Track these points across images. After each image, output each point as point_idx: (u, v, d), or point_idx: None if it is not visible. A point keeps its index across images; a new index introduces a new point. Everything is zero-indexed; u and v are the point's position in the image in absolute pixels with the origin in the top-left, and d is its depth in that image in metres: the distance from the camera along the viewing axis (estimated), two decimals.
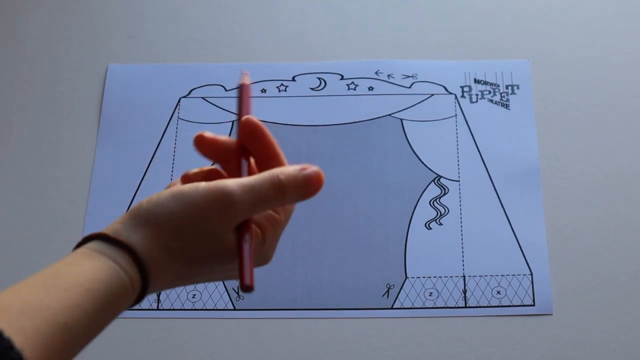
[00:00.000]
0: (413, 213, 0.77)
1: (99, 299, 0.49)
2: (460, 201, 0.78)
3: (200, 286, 0.74)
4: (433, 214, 0.77)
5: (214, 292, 0.74)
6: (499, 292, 0.74)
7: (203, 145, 0.56)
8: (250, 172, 0.55)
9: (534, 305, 0.73)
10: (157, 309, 0.73)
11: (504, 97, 0.83)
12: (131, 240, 0.51)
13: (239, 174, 0.55)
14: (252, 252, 0.53)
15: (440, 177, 0.79)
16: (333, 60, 0.85)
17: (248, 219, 0.53)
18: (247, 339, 0.72)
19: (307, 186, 0.54)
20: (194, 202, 0.52)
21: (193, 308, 0.73)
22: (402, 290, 0.74)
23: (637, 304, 0.73)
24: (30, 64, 0.87)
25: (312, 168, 0.54)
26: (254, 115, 0.56)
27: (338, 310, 0.73)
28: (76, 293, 0.48)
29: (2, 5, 0.90)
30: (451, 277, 0.74)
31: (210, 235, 0.53)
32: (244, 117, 0.55)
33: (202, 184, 0.52)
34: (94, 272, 0.50)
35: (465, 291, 0.74)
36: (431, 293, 0.74)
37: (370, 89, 0.84)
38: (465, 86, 0.84)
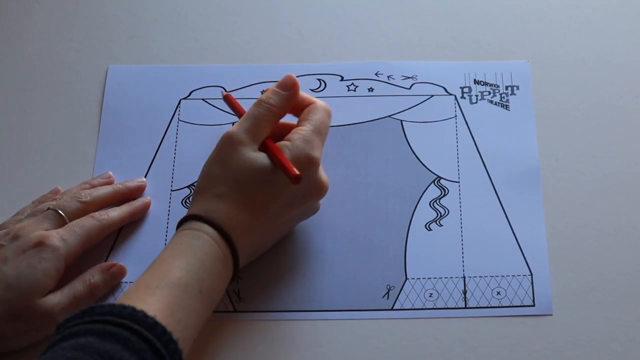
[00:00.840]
0: (413, 214, 0.78)
1: (187, 255, 0.63)
2: (460, 202, 0.78)
3: None
4: (433, 215, 0.77)
5: None
6: (498, 293, 0.74)
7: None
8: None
9: (533, 305, 0.73)
10: None
11: (503, 97, 0.83)
12: (191, 211, 0.67)
13: None
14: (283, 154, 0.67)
15: (440, 178, 0.79)
16: (333, 61, 0.86)
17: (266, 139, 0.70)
18: (247, 340, 0.72)
19: (280, 84, 0.73)
20: (211, 155, 0.70)
21: None
22: (402, 291, 0.74)
23: (637, 304, 0.73)
24: (30, 64, 0.87)
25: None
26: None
27: (338, 312, 0.73)
28: (168, 260, 0.63)
29: (2, 6, 0.90)
30: (451, 278, 0.74)
31: (241, 159, 0.67)
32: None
33: None
34: (176, 240, 0.65)
35: (465, 292, 0.74)
36: (431, 294, 0.74)
37: (371, 90, 0.84)
38: (465, 87, 0.84)
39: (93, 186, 0.76)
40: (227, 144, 0.69)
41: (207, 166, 0.69)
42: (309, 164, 0.69)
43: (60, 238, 0.69)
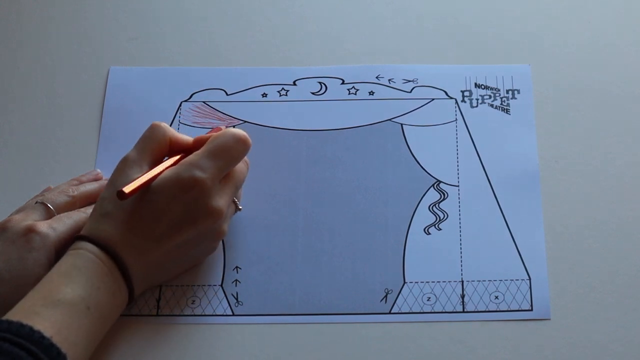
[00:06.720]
0: (412, 218, 0.78)
1: (71, 273, 0.64)
2: (459, 206, 0.78)
3: (199, 292, 0.74)
4: (432, 219, 0.78)
5: (213, 298, 0.74)
6: (497, 297, 0.74)
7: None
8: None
9: (531, 310, 0.73)
10: (157, 315, 0.73)
11: (504, 101, 0.83)
12: (82, 233, 0.68)
13: None
14: (154, 178, 0.68)
15: (440, 182, 0.79)
16: (334, 64, 0.86)
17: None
18: (246, 344, 0.72)
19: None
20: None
21: (192, 314, 0.73)
22: (401, 294, 0.74)
23: (636, 309, 0.73)
24: (30, 66, 0.87)
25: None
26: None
27: (336, 315, 0.73)
28: (53, 279, 0.63)
29: (2, 6, 0.91)
30: (449, 282, 0.75)
31: (125, 178, 0.68)
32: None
33: None
34: (61, 262, 0.65)
35: (463, 296, 0.74)
36: (429, 298, 0.74)
37: (371, 93, 0.84)
38: (466, 91, 0.84)
39: (81, 183, 0.77)
40: (120, 164, 0.70)
41: (103, 189, 0.70)
42: (194, 185, 0.68)
43: (49, 226, 0.69)
